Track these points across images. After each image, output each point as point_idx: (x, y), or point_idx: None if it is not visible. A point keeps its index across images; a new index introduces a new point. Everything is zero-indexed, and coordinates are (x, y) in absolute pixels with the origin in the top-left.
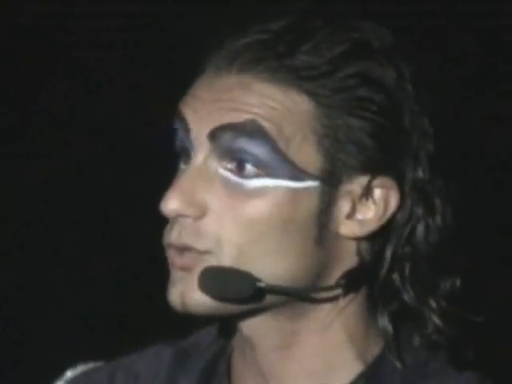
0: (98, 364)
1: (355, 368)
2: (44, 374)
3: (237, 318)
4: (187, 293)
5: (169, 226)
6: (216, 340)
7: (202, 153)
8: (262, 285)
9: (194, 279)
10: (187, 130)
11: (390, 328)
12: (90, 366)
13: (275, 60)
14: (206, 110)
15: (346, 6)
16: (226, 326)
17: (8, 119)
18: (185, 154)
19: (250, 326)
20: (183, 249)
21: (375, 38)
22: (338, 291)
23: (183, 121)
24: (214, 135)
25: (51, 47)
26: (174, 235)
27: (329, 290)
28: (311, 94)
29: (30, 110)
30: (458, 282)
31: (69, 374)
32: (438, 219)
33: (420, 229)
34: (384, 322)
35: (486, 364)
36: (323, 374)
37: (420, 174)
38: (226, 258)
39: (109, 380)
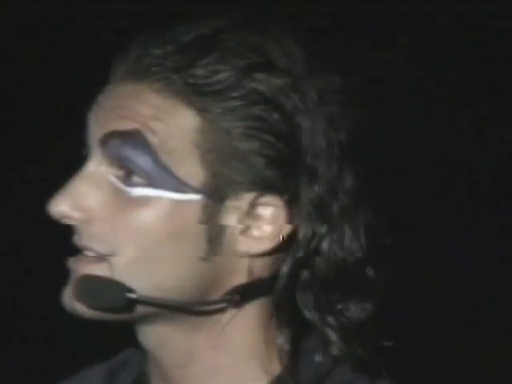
0: None
1: None
2: None
3: (132, 325)
4: (71, 298)
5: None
6: (143, 357)
7: (94, 158)
8: (133, 296)
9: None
10: (87, 136)
11: (285, 345)
12: None
13: (171, 72)
14: (102, 117)
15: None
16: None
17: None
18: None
19: (150, 342)
20: (85, 249)
21: (282, 57)
22: (224, 306)
23: (87, 126)
24: (103, 141)
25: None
26: (75, 238)
27: (212, 305)
28: (200, 110)
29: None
30: (368, 305)
31: None
32: (345, 238)
33: (324, 247)
34: (280, 339)
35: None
36: None
37: (318, 190)
38: (118, 266)
39: None
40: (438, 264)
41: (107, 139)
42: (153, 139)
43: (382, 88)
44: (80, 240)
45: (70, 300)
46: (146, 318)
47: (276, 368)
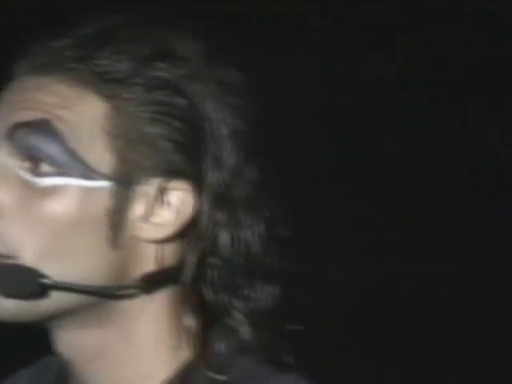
0: None
1: (163, 375)
2: None
3: (46, 325)
4: None
5: None
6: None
7: (1, 152)
8: (46, 281)
9: None
10: None
11: (195, 333)
12: None
13: (75, 62)
14: (6, 110)
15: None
16: None
17: None
18: None
19: (63, 342)
20: None
21: (183, 49)
22: (134, 292)
23: None
24: (8, 134)
25: None
26: None
27: (121, 290)
28: (106, 96)
29: None
30: (275, 292)
31: None
32: (245, 226)
33: (223, 235)
34: (189, 327)
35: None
36: (135, 383)
37: (222, 177)
38: (26, 262)
39: None
40: (438, 264)
41: (13, 131)
42: (60, 126)
43: (382, 88)
44: None
45: None
46: (60, 316)
47: (185, 356)
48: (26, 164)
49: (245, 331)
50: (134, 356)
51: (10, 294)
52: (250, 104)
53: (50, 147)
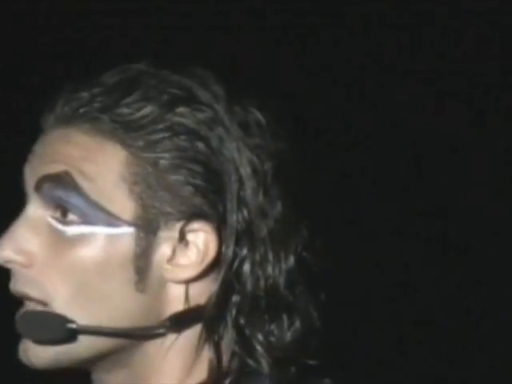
0: None
1: None
2: None
3: (85, 368)
4: (27, 347)
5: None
6: None
7: (32, 203)
8: (74, 326)
9: None
10: (24, 183)
11: (214, 361)
12: None
13: (98, 112)
14: (35, 163)
15: None
16: None
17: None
18: None
19: (96, 381)
20: (22, 297)
21: (204, 93)
22: (162, 332)
23: (23, 175)
24: (37, 186)
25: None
26: (11, 283)
27: (150, 331)
28: (124, 145)
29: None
30: (297, 325)
31: None
32: (268, 262)
33: (247, 272)
34: (209, 359)
35: None
36: None
37: (244, 216)
38: (58, 308)
39: None
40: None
41: (40, 184)
42: (80, 180)
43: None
44: (16, 285)
45: (24, 352)
46: (92, 360)
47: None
48: (55, 213)
49: (264, 365)
50: None
51: (39, 340)
52: (272, 143)
53: (73, 199)
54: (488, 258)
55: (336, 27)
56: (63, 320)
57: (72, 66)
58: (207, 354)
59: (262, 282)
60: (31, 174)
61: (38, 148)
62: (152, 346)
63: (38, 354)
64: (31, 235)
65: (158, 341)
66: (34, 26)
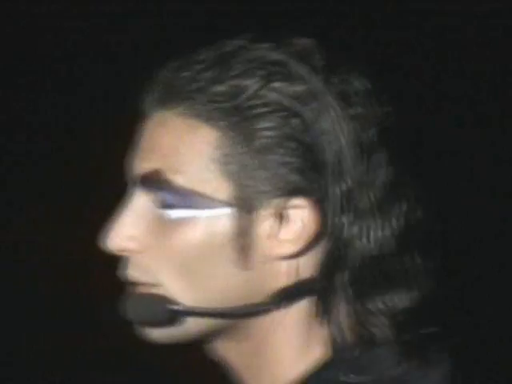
0: None
1: (298, 378)
2: None
3: (203, 343)
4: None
5: (122, 263)
6: None
7: (135, 193)
8: (177, 307)
9: None
10: (128, 169)
11: (326, 340)
12: None
13: (194, 93)
14: (137, 158)
15: None
16: None
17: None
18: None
19: (212, 352)
20: (134, 282)
21: (300, 67)
22: (270, 308)
23: (127, 166)
24: (136, 181)
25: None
26: (124, 272)
27: (257, 308)
28: (218, 126)
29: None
30: (415, 293)
31: None
32: (374, 230)
33: (353, 241)
34: (321, 334)
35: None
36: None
37: (344, 187)
38: (166, 291)
39: None
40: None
41: (140, 181)
42: (172, 174)
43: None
44: (127, 271)
45: (143, 331)
46: (203, 336)
47: (317, 360)
48: (158, 202)
49: (388, 333)
50: (271, 363)
51: (143, 322)
52: (372, 110)
53: (168, 192)
54: None
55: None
56: (165, 301)
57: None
58: (322, 329)
59: (368, 251)
60: (134, 163)
61: (140, 138)
62: (260, 323)
63: (151, 334)
64: (138, 222)
65: (268, 318)
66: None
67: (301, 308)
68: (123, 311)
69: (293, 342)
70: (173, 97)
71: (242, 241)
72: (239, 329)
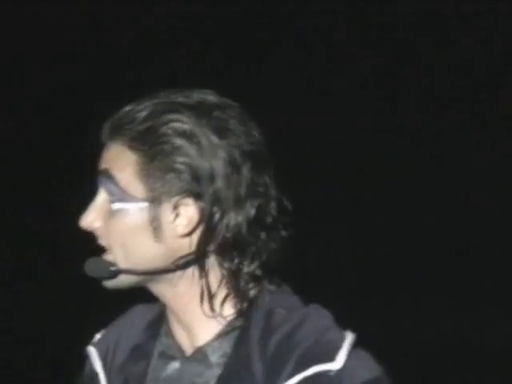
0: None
1: (225, 314)
2: None
3: (147, 288)
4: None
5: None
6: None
7: (99, 191)
8: (113, 268)
9: None
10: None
11: (205, 287)
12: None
13: (122, 129)
14: (99, 165)
15: None
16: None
17: None
18: None
19: (158, 294)
20: (102, 247)
21: (188, 109)
22: (174, 268)
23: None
24: (99, 179)
25: None
26: (98, 240)
27: (166, 270)
28: (135, 149)
29: None
30: (263, 258)
31: (96, 336)
32: (231, 218)
33: (222, 224)
34: (203, 283)
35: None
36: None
37: (215, 190)
38: (115, 256)
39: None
40: None
41: (98, 177)
42: (114, 173)
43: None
44: (100, 241)
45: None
46: (140, 283)
47: (231, 304)
48: (108, 195)
49: (243, 284)
50: (194, 302)
51: (96, 277)
52: (241, 139)
53: (110, 185)
54: None
55: None
56: (108, 264)
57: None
58: (214, 281)
59: (228, 231)
60: (98, 171)
61: (102, 155)
62: (172, 278)
63: (105, 284)
64: (98, 211)
65: (176, 274)
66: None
67: (194, 269)
68: (84, 270)
69: (194, 290)
70: (116, 131)
71: (155, 224)
72: (164, 280)
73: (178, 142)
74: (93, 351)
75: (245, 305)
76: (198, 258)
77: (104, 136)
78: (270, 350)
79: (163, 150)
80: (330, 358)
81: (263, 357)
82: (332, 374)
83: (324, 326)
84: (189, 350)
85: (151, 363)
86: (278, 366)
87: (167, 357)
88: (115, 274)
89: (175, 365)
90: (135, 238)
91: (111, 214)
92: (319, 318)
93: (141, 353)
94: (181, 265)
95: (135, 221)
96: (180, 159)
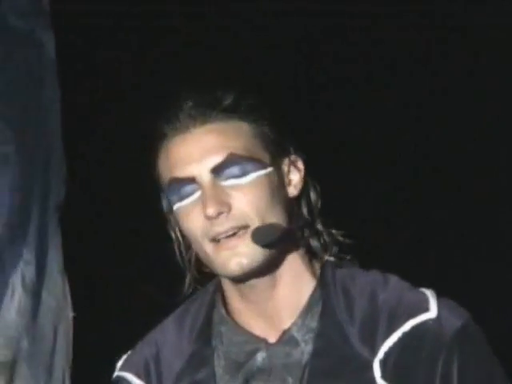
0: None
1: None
2: None
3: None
4: (243, 254)
5: (208, 224)
6: (205, 294)
7: (207, 180)
8: (277, 233)
9: (246, 242)
10: (190, 179)
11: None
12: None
13: (223, 108)
14: (199, 158)
15: None
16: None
17: None
18: (185, 195)
19: (259, 285)
20: (232, 232)
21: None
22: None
23: (182, 178)
24: (214, 170)
25: None
26: (219, 227)
27: (294, 231)
28: (249, 121)
29: None
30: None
31: (119, 363)
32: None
33: (313, 195)
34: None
35: None
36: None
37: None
38: (255, 224)
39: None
40: None
41: (216, 168)
42: (240, 152)
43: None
44: (224, 225)
45: (240, 262)
46: (270, 261)
47: (316, 273)
48: (232, 176)
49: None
50: (290, 281)
51: (266, 244)
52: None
53: (239, 164)
54: None
55: None
56: (275, 228)
57: None
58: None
59: (317, 195)
60: (199, 167)
61: (192, 148)
62: (291, 248)
63: (253, 254)
64: (221, 193)
65: (286, 249)
66: None
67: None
68: (252, 237)
69: (300, 252)
70: (211, 113)
71: (279, 185)
72: (278, 260)
73: (265, 110)
74: (126, 375)
75: (322, 278)
76: (308, 221)
77: (189, 121)
78: (358, 315)
79: (265, 117)
80: (425, 309)
81: (353, 323)
82: (431, 322)
83: (401, 287)
84: (270, 337)
85: (216, 370)
86: (371, 328)
87: (248, 353)
88: (276, 241)
89: (262, 355)
90: (273, 198)
91: (244, 187)
92: (393, 281)
93: (199, 360)
94: (300, 226)
95: (270, 184)
96: (276, 123)
